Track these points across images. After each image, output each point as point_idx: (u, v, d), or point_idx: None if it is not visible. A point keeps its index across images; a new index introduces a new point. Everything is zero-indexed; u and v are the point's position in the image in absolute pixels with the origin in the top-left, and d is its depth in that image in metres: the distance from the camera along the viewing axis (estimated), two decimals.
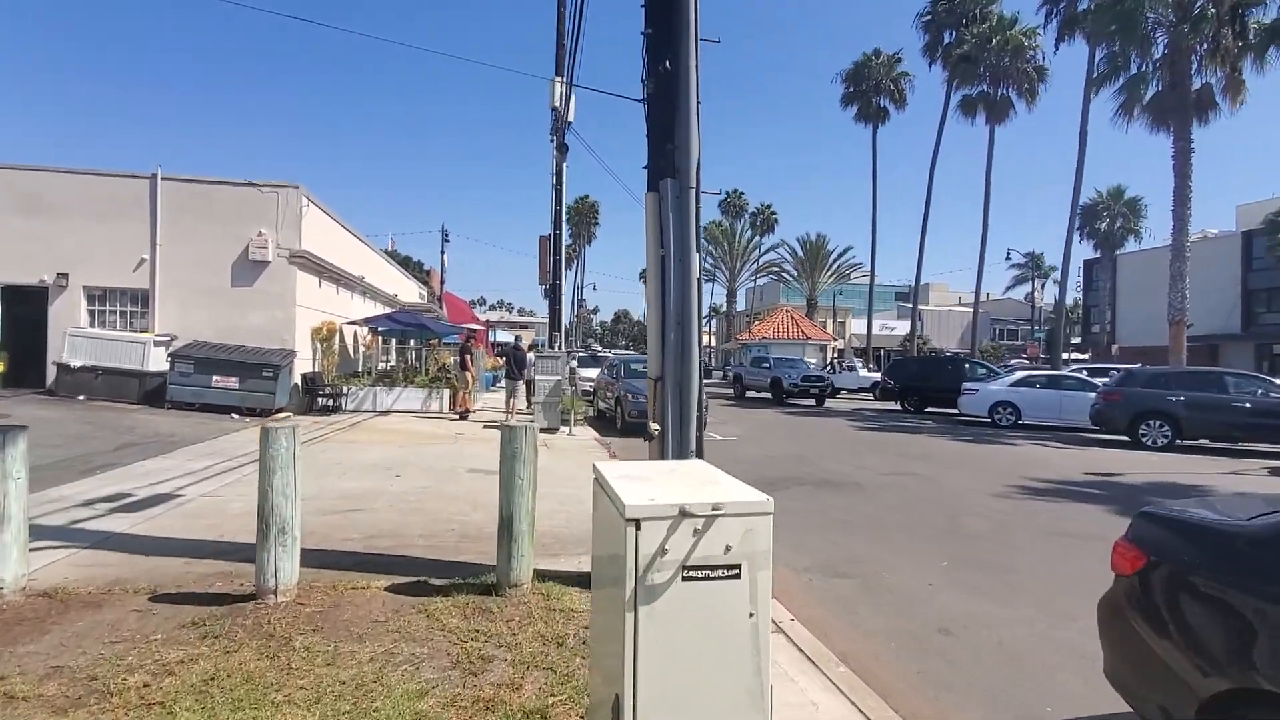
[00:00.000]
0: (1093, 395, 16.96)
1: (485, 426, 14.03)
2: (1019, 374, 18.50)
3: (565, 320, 16.77)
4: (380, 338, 20.76)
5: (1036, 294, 54.65)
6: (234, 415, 13.33)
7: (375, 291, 21.83)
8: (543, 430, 13.28)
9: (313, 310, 15.93)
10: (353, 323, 18.31)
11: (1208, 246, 42.40)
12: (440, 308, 29.41)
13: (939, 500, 8.23)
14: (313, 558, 4.81)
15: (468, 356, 15.89)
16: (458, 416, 15.29)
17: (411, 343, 22.12)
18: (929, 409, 21.86)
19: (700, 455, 4.31)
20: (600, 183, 75.47)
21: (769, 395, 24.38)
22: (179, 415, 12.90)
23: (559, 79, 15.17)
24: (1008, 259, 46.53)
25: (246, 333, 14.50)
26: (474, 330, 21.64)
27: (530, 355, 16.17)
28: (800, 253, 47.67)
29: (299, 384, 14.87)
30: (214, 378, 13.45)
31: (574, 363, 13.94)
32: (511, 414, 16.14)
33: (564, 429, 13.47)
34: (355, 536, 5.56)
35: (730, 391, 26.76)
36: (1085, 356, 45.87)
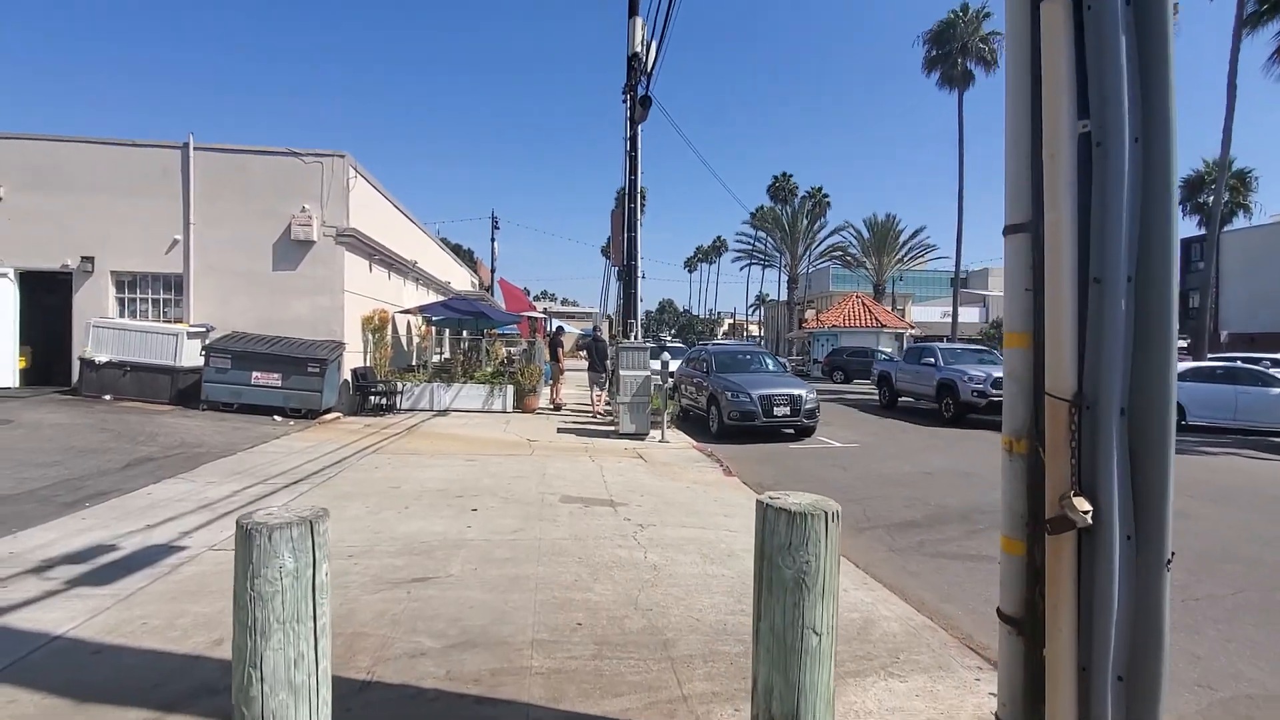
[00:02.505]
0: (1276, 391, 13.99)
1: (560, 430, 11.94)
2: (1183, 366, 15.44)
3: (641, 305, 14.56)
4: (434, 328, 18.94)
5: None
6: (276, 417, 11.57)
7: (428, 278, 20.05)
8: (630, 435, 11.14)
9: (362, 297, 14.11)
10: (406, 311, 16.49)
11: None
12: (494, 296, 27.60)
13: (1258, 557, 5.70)
14: (359, 707, 2.69)
15: (560, 349, 15.74)
16: (554, 408, 14.97)
17: (465, 334, 20.28)
18: None
19: (1168, 562, 2.00)
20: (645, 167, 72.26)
21: (935, 405, 15.75)
22: (213, 418, 11.19)
23: (638, 18, 12.87)
24: None
25: (290, 323, 12.75)
26: (535, 319, 19.66)
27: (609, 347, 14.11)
28: (866, 234, 44.30)
29: (349, 380, 13.08)
30: (254, 374, 11.71)
31: (666, 355, 11.75)
32: (597, 407, 14.32)
33: (654, 433, 11.28)
34: (430, 645, 3.43)
35: (869, 396, 20.71)
36: (1184, 344, 41.41)
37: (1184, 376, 15.07)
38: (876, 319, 34.32)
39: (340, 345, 12.55)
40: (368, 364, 13.97)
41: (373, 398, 13.19)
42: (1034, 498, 2.20)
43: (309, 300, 12.85)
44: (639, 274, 14.61)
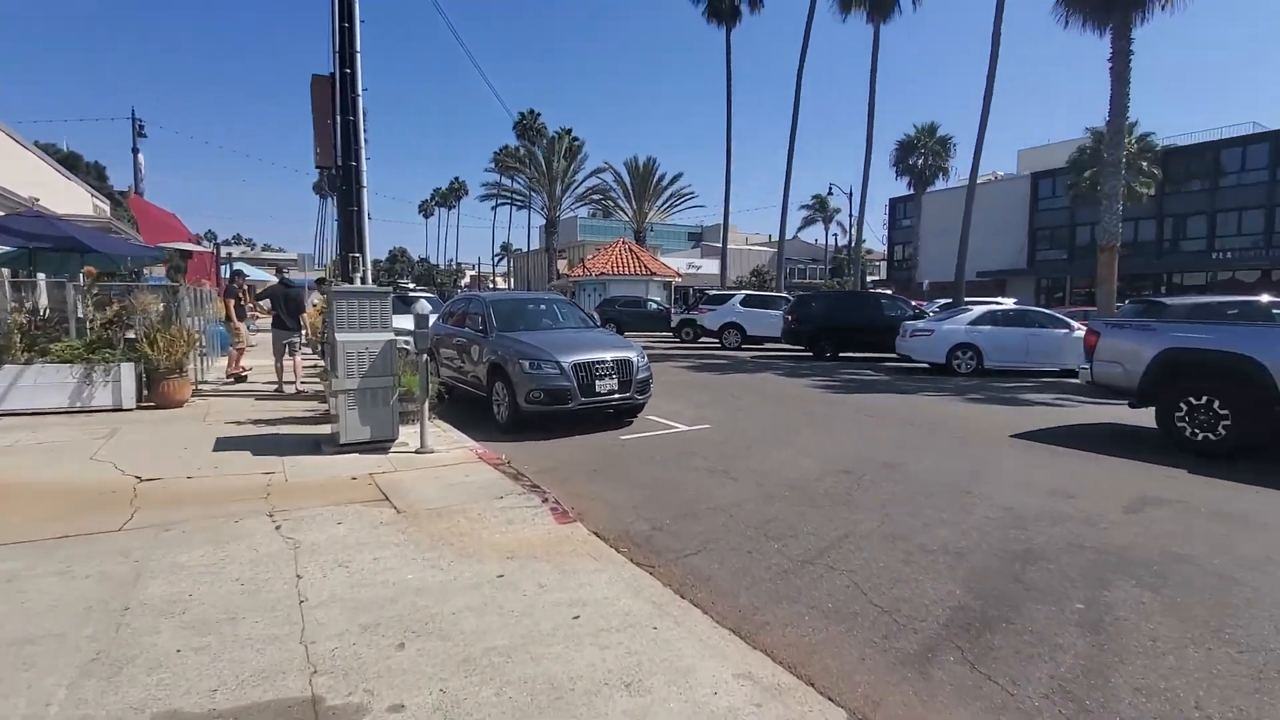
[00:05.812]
0: (1060, 333, 14.14)
1: (222, 444, 6.47)
2: (977, 310, 15.15)
3: (368, 229, 9.25)
4: None
5: (851, 232, 56.17)
6: None
7: None
8: (359, 446, 6.32)
9: None
10: None
11: (999, 188, 45.28)
12: (134, 230, 18.77)
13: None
14: None
15: (240, 302, 11.48)
16: (232, 380, 10.87)
17: (68, 278, 12.44)
18: (844, 354, 18.14)
19: None
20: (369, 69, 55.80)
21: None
22: None
23: None
24: (833, 195, 45.75)
25: None
26: (187, 253, 12.80)
27: (313, 296, 8.70)
28: (627, 178, 42.16)
29: None
30: None
31: (425, 305, 6.96)
32: (296, 383, 9.76)
33: (404, 432, 6.59)
34: None
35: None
36: (890, 292, 47.24)
37: (983, 321, 14.51)
38: (646, 266, 32.21)
39: None
40: None
41: None
42: None
43: None
44: (363, 181, 9.24)
